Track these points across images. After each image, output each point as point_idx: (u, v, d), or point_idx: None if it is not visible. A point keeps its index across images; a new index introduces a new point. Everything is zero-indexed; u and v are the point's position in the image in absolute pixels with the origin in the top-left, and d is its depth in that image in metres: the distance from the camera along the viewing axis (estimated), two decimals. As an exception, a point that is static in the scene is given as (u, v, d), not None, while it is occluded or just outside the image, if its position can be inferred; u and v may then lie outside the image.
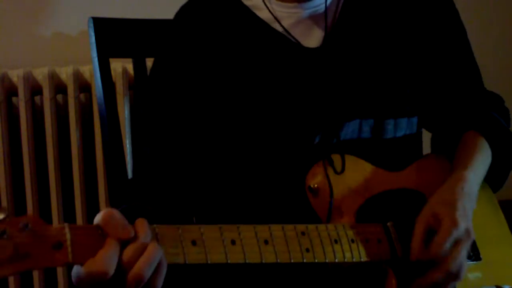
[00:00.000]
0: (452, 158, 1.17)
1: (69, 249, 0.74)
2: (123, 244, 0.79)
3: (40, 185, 2.07)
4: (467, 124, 1.20)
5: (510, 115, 1.29)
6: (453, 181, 1.09)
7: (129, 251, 0.79)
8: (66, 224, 0.75)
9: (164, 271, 0.82)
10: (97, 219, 0.80)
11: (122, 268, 0.78)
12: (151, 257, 0.79)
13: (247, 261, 0.89)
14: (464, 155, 1.15)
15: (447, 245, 0.99)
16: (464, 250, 1.01)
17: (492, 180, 1.20)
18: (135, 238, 0.79)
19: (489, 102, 1.25)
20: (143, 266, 0.78)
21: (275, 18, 1.14)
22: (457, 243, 1.00)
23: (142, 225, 0.81)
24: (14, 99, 2.07)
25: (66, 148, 2.06)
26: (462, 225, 1.01)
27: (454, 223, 1.00)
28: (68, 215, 2.09)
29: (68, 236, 0.74)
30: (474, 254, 1.13)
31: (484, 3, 2.51)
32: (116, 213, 0.80)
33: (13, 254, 0.70)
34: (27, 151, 2.02)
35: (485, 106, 1.24)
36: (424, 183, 1.14)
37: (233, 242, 0.88)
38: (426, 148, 1.26)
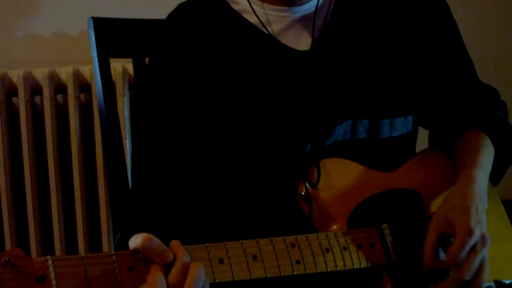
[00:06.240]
0: (451, 154, 1.17)
1: (53, 282, 0.74)
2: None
3: (40, 185, 2.07)
4: (466, 120, 1.20)
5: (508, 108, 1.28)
6: (463, 183, 1.08)
7: (174, 273, 0.82)
8: (48, 257, 0.76)
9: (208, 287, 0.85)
10: (136, 244, 0.82)
11: None
12: (197, 276, 0.82)
13: (235, 279, 0.89)
14: (469, 154, 1.14)
15: (462, 255, 0.99)
16: (480, 257, 1.01)
17: (492, 174, 1.20)
18: (174, 260, 0.83)
19: (486, 95, 1.25)
20: (192, 287, 0.81)
21: (262, 23, 1.14)
22: (473, 250, 1.00)
23: (178, 246, 0.84)
24: (14, 99, 2.07)
25: (66, 148, 2.06)
26: (477, 232, 1.01)
27: (469, 232, 1.00)
28: (68, 215, 2.10)
29: (51, 269, 0.75)
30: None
31: (484, 3, 2.51)
32: (153, 238, 0.82)
33: None
34: (27, 151, 2.02)
35: (482, 100, 1.23)
36: (419, 182, 1.14)
37: (220, 261, 0.88)
38: (422, 146, 1.25)
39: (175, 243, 0.85)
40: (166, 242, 0.84)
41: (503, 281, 1.11)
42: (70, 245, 2.12)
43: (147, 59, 1.42)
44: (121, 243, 0.99)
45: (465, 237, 1.00)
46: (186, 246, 0.86)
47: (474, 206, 1.04)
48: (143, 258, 0.81)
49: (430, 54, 1.20)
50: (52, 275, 0.74)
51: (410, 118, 1.19)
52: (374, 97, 1.13)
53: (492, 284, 1.10)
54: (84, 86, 2.06)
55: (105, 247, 2.10)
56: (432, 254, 1.01)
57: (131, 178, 1.18)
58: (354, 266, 0.99)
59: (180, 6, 1.20)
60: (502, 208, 1.22)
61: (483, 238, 1.02)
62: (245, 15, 1.15)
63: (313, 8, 1.15)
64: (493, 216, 1.20)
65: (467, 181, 1.08)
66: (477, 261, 1.01)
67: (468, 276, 1.00)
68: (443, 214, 1.04)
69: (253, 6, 1.15)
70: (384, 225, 1.04)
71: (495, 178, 1.21)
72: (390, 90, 1.15)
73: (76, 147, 2.05)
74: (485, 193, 1.09)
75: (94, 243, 2.13)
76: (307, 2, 1.15)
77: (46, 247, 2.10)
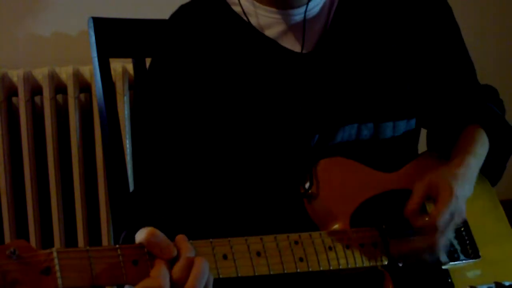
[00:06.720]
0: (448, 154, 1.18)
1: (58, 274, 0.74)
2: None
3: (40, 185, 2.07)
4: (464, 117, 1.20)
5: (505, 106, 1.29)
6: (455, 164, 1.10)
7: (178, 268, 0.82)
8: (53, 249, 0.76)
9: (212, 282, 0.85)
10: (141, 238, 0.82)
11: (175, 286, 0.82)
12: (201, 271, 0.83)
13: (239, 275, 0.89)
14: (463, 143, 1.15)
15: (446, 215, 1.01)
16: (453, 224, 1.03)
17: (490, 172, 1.20)
18: (179, 255, 0.83)
19: (484, 93, 1.26)
20: (196, 281, 0.82)
21: (262, 25, 1.14)
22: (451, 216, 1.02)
23: (184, 241, 0.85)
24: (14, 99, 2.07)
25: (66, 148, 2.07)
26: (460, 198, 1.03)
27: (452, 193, 1.02)
28: (68, 215, 2.10)
29: (56, 261, 0.75)
30: (473, 252, 1.13)
31: (484, 3, 2.52)
32: (158, 232, 0.83)
33: (1, 282, 0.70)
34: (27, 151, 2.02)
35: (480, 98, 1.24)
36: None
37: (225, 257, 0.89)
38: (422, 147, 1.26)
39: (180, 237, 0.85)
40: (171, 240, 0.85)
41: (503, 283, 1.11)
42: (70, 245, 2.12)
43: (147, 59, 1.42)
44: (126, 243, 1.00)
45: (449, 197, 1.02)
46: (191, 241, 0.86)
47: (462, 183, 1.06)
48: (148, 252, 0.82)
49: (432, 57, 1.20)
50: (57, 267, 0.75)
51: (413, 121, 1.19)
52: (377, 100, 1.14)
53: (493, 285, 1.10)
54: (84, 86, 2.06)
55: (105, 247, 2.10)
56: (417, 206, 1.03)
57: (134, 178, 1.18)
58: (357, 265, 1.00)
59: (181, 7, 1.20)
60: (502, 209, 1.22)
61: (461, 213, 1.04)
62: (245, 17, 1.15)
63: (314, 9, 1.15)
64: (493, 218, 1.20)
65: (459, 164, 1.10)
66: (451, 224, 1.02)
67: (442, 241, 1.01)
68: (430, 179, 1.05)
69: (253, 8, 1.15)
70: (386, 225, 1.05)
71: (493, 176, 1.22)
72: (394, 93, 1.15)
73: (76, 147, 2.05)
74: (474, 181, 1.10)
75: (94, 243, 2.13)
76: (307, 3, 1.15)
77: (46, 247, 2.10)
